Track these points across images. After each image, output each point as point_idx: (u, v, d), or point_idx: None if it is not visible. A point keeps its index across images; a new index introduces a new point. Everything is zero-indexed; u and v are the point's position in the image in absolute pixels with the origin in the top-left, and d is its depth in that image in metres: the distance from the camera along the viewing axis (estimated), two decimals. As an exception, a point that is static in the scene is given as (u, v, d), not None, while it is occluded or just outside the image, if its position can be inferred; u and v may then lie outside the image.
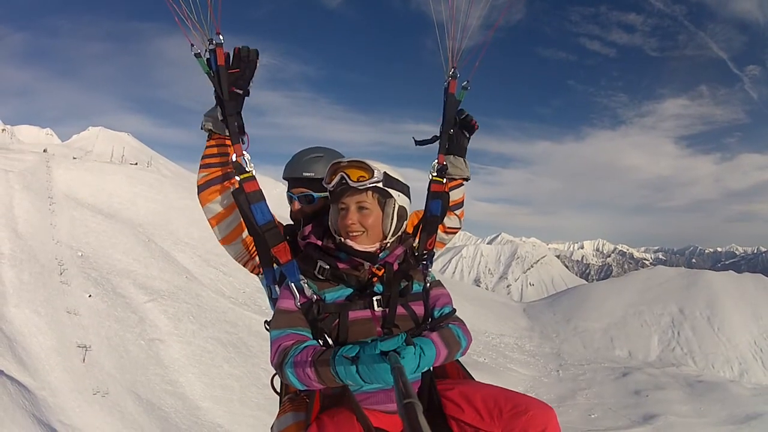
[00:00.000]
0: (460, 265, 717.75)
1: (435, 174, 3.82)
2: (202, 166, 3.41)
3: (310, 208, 3.81)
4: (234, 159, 3.31)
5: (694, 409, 18.60)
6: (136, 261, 21.15)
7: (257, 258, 3.53)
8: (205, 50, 3.31)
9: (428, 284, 3.41)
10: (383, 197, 3.16)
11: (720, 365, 28.38)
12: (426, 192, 3.89)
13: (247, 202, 3.28)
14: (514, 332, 32.66)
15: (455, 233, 4.18)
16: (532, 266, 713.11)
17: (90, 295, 17.07)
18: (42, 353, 13.83)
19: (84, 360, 14.15)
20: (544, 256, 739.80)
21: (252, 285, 24.52)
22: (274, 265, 3.37)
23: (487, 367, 22.60)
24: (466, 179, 4.11)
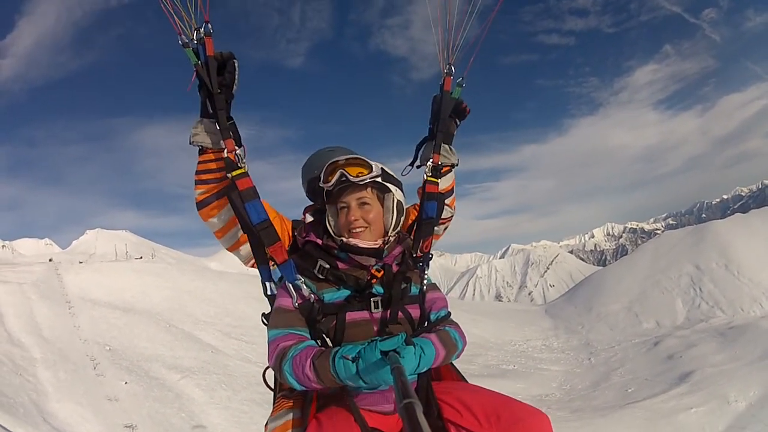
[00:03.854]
0: (478, 285, 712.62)
1: (429, 174, 3.90)
2: (198, 182, 3.34)
3: None
4: (225, 155, 3.24)
5: (728, 356, 18.65)
6: (162, 345, 21.45)
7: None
8: (193, 40, 3.21)
9: (425, 287, 3.48)
10: (382, 192, 3.30)
11: (748, 306, 27.95)
12: (420, 192, 4.01)
13: (240, 200, 3.23)
14: (539, 335, 32.40)
15: (448, 223, 4.18)
16: (547, 268, 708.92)
17: (126, 382, 17.50)
18: None
19: None
20: (557, 255, 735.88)
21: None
22: (271, 263, 3.35)
23: (517, 372, 22.54)
24: (454, 165, 4.11)
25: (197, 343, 23.01)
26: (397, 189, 3.34)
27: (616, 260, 50.47)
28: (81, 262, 38.42)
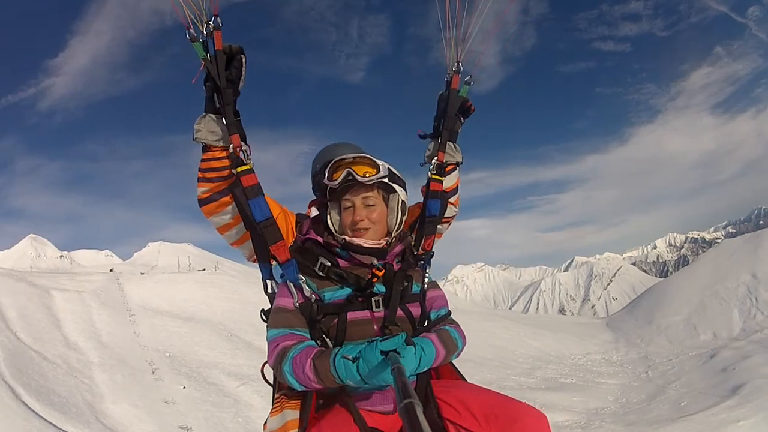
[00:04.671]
0: (542, 299, 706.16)
1: (434, 172, 3.87)
2: (201, 180, 3.31)
3: None
4: (231, 150, 3.23)
5: None
6: (222, 354, 21.83)
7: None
8: (203, 33, 3.19)
9: (426, 285, 3.43)
10: (387, 192, 3.29)
11: None
12: (423, 190, 3.98)
13: (244, 196, 3.23)
14: (599, 348, 31.92)
15: (451, 222, 4.12)
16: (610, 281, 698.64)
17: (184, 387, 18.00)
18: None
19: None
20: (620, 268, 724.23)
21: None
22: (272, 261, 3.39)
23: (574, 385, 22.35)
24: (459, 164, 4.05)
25: (257, 352, 23.30)
26: (402, 189, 3.35)
27: (677, 271, 49.82)
28: (143, 273, 39.17)
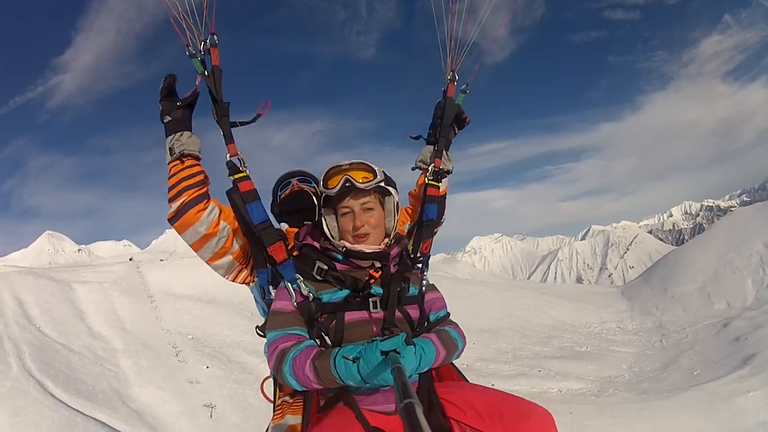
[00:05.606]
0: (559, 268, 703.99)
1: (431, 178, 4.00)
2: (178, 193, 3.38)
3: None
4: (228, 158, 3.38)
5: None
6: (244, 333, 22.11)
7: (248, 267, 3.70)
8: (200, 51, 3.39)
9: (424, 287, 3.50)
10: (383, 196, 3.36)
11: None
12: (413, 194, 4.26)
13: (242, 201, 3.33)
14: (614, 317, 32.07)
15: (440, 227, 4.15)
16: (627, 249, 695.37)
17: (207, 367, 18.47)
18: (171, 418, 15.21)
19: (211, 416, 15.47)
20: (636, 236, 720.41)
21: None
22: (268, 265, 3.42)
23: (590, 354, 22.53)
24: (449, 172, 4.16)
25: (279, 331, 23.61)
26: (396, 191, 3.40)
27: (692, 239, 49.69)
28: (162, 260, 39.38)
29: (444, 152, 4.14)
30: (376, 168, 3.27)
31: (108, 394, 15.85)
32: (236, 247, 3.59)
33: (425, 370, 2.98)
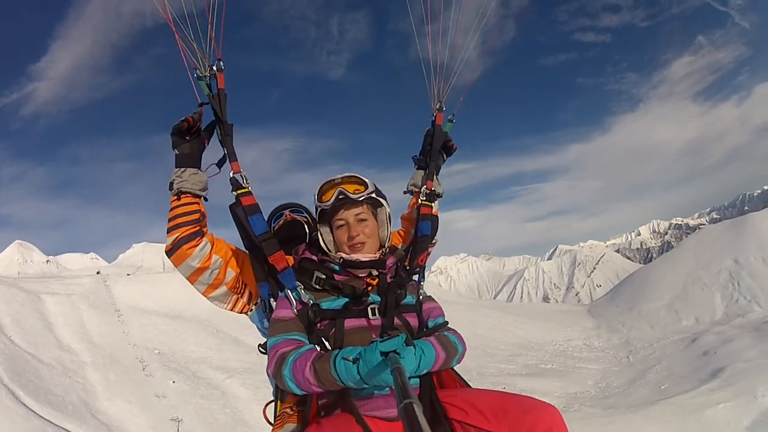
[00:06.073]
0: (526, 288, 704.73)
1: (424, 199, 4.02)
2: (172, 228, 3.46)
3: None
4: (231, 175, 3.45)
5: (761, 351, 18.56)
6: (209, 349, 22.12)
7: (244, 296, 3.74)
8: (206, 75, 3.51)
9: (421, 297, 3.49)
10: (375, 207, 3.39)
11: None
12: (406, 217, 4.33)
13: (244, 214, 3.38)
14: (581, 334, 32.30)
15: (434, 245, 4.20)
16: (594, 268, 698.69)
17: (174, 381, 18.50)
18: (139, 431, 15.20)
19: (178, 430, 15.45)
20: (603, 255, 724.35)
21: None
22: (269, 279, 3.43)
23: (555, 371, 22.68)
24: (439, 195, 4.24)
25: (244, 347, 23.63)
26: (387, 203, 3.45)
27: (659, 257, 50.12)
28: (129, 275, 39.05)
29: (435, 176, 4.25)
30: (367, 180, 3.34)
31: (77, 405, 15.74)
32: (229, 278, 3.64)
33: (424, 372, 2.98)
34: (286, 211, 4.40)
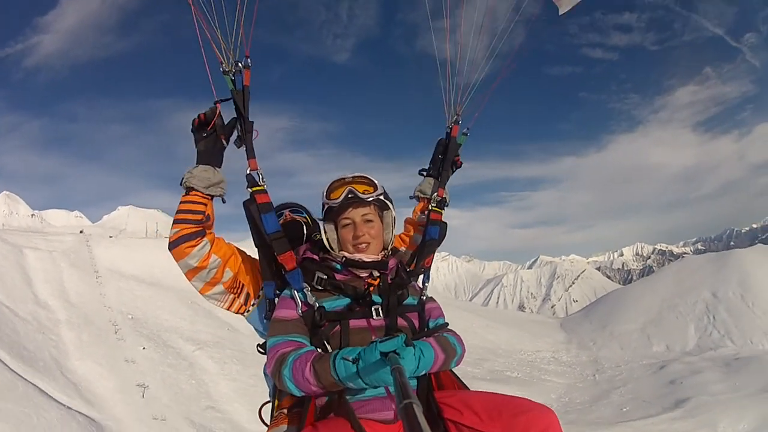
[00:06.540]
0: (502, 294, 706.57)
1: (434, 205, 4.13)
2: (176, 222, 3.49)
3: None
4: (248, 172, 3.50)
5: (728, 386, 18.61)
6: (182, 319, 22.12)
7: (241, 296, 3.75)
8: (231, 71, 3.52)
9: (424, 298, 3.56)
10: (382, 209, 3.48)
11: (758, 339, 27.51)
12: (411, 222, 4.41)
13: (258, 211, 3.40)
14: (550, 347, 32.54)
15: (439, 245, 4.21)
16: (573, 283, 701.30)
17: (144, 348, 18.59)
18: (106, 393, 15.33)
19: (143, 396, 15.56)
20: (584, 271, 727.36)
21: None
22: (276, 278, 3.49)
23: (519, 380, 22.78)
24: (447, 204, 4.29)
25: (216, 320, 23.73)
26: (393, 207, 3.54)
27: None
28: (111, 237, 39.02)
29: (444, 189, 4.31)
30: (376, 182, 3.42)
31: (48, 362, 15.83)
32: (227, 277, 3.66)
33: (423, 373, 3.03)
34: (286, 211, 4.43)
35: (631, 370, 24.52)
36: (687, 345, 29.27)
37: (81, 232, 43.32)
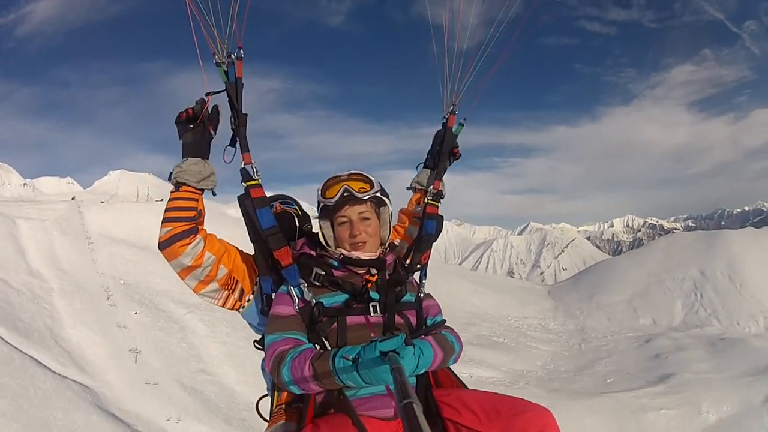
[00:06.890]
0: (492, 259, 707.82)
1: (431, 198, 4.08)
2: (166, 220, 3.41)
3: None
4: (242, 165, 3.43)
5: (713, 366, 18.72)
6: (173, 284, 22.18)
7: (235, 293, 3.67)
8: (224, 62, 3.43)
9: (421, 294, 3.56)
10: (378, 206, 3.46)
11: (744, 321, 27.63)
12: (408, 213, 4.37)
13: (252, 206, 3.37)
14: (537, 314, 32.55)
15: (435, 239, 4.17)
16: (562, 251, 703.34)
17: (136, 313, 18.85)
18: (99, 360, 15.58)
19: (135, 361, 15.86)
20: (573, 240, 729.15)
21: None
22: (272, 274, 3.47)
23: (506, 346, 22.92)
24: (443, 196, 4.23)
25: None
26: (390, 203, 3.52)
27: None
28: (103, 202, 38.97)
29: (441, 180, 4.29)
30: (372, 179, 3.39)
31: (42, 332, 16.04)
32: (221, 274, 3.59)
33: (422, 371, 3.05)
34: (276, 203, 4.36)
35: (617, 341, 24.66)
36: (673, 320, 29.36)
37: (73, 198, 43.17)
